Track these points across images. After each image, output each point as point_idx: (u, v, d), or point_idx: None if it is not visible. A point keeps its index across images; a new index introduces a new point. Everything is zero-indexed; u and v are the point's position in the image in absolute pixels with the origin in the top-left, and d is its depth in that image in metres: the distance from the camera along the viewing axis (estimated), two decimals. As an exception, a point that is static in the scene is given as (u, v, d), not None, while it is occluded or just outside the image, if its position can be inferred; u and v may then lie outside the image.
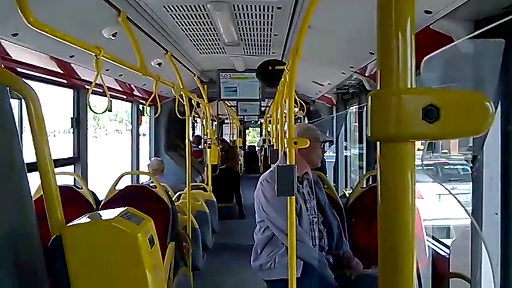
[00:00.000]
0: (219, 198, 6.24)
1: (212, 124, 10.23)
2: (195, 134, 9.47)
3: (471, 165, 1.87)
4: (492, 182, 1.80)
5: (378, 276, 0.55)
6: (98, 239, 1.33)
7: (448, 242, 2.76)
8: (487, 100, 0.47)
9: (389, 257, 0.51)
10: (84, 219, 1.39)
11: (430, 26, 2.03)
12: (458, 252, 2.21)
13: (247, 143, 19.60)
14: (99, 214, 1.50)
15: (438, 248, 2.65)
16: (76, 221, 1.36)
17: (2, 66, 1.23)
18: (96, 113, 2.32)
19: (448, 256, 2.39)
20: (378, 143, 0.51)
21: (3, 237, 1.16)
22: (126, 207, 1.46)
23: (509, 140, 1.79)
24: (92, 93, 2.47)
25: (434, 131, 0.47)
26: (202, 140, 7.11)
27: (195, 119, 9.78)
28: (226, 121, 14.62)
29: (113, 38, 2.88)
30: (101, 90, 3.21)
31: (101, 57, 2.16)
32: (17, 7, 1.49)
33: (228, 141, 9.95)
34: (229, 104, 9.91)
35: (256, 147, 16.88)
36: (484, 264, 1.79)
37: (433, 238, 2.80)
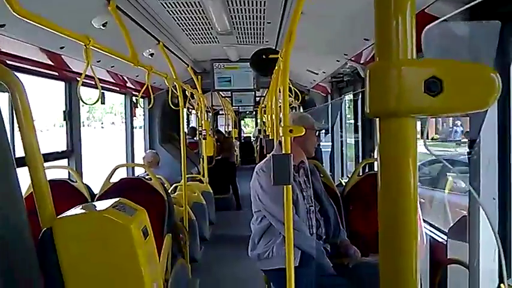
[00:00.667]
0: (215, 189, 6.23)
1: (207, 115, 10.19)
2: (190, 126, 9.43)
3: (468, 150, 1.86)
4: (489, 167, 1.79)
5: (379, 256, 0.53)
6: (90, 231, 1.30)
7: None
8: (493, 72, 0.44)
9: (391, 234, 0.48)
10: (76, 211, 1.35)
11: (425, 10, 2.00)
12: (455, 239, 2.21)
13: (245, 134, 19.55)
14: (91, 206, 1.47)
15: (435, 234, 2.65)
16: (67, 213, 1.32)
17: None
18: (87, 104, 2.28)
19: (445, 242, 2.38)
20: (377, 119, 0.48)
21: None
22: (118, 198, 1.43)
23: (506, 124, 1.77)
24: (85, 85, 2.42)
25: (437, 105, 0.44)
26: (198, 132, 7.07)
27: (190, 110, 9.73)
28: (221, 112, 14.57)
29: (103, 27, 2.83)
30: (93, 83, 3.18)
31: (91, 47, 2.11)
32: None
33: (224, 132, 9.91)
34: (223, 95, 9.85)
35: (252, 138, 16.87)
36: (482, 250, 1.78)
37: (430, 225, 2.79)
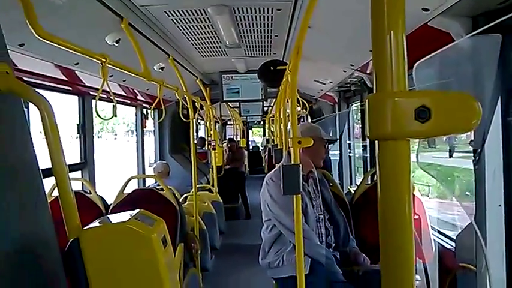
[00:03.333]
0: (224, 199, 6.29)
1: (215, 126, 10.26)
2: (199, 136, 9.52)
3: (473, 158, 1.90)
4: (495, 174, 1.83)
5: (381, 270, 0.59)
6: (114, 241, 1.37)
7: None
8: (474, 100, 0.52)
9: (390, 249, 0.55)
10: (99, 223, 1.43)
11: (428, 23, 2.06)
12: (463, 245, 2.24)
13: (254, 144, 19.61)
14: (113, 217, 1.54)
15: (444, 241, 2.68)
16: (92, 225, 1.40)
17: (15, 78, 1.27)
18: (103, 119, 2.37)
19: (454, 249, 2.42)
20: (376, 141, 0.55)
21: (21, 238, 1.20)
22: (138, 210, 1.51)
23: (509, 132, 1.82)
24: (99, 99, 2.49)
25: (426, 130, 0.52)
26: (207, 142, 7.16)
27: (198, 121, 9.82)
28: (229, 122, 14.68)
29: (116, 44, 2.93)
30: (105, 96, 3.27)
31: (107, 65, 2.20)
32: (25, 20, 1.54)
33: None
34: (232, 105, 9.96)
35: (260, 148, 16.93)
36: (489, 256, 1.82)
37: (439, 232, 2.82)
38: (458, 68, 1.93)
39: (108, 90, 2.34)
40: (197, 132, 10.26)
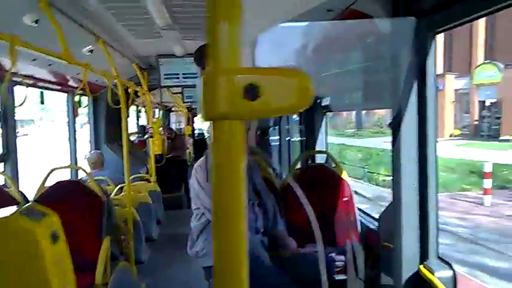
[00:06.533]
0: (166, 188, 6.15)
1: (158, 112, 9.97)
2: (140, 124, 9.25)
3: (392, 141, 1.96)
4: (410, 154, 1.90)
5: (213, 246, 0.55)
6: None
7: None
8: (305, 76, 0.49)
9: (222, 224, 0.51)
10: None
11: (352, 7, 2.08)
12: (385, 224, 2.32)
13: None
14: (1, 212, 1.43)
15: (368, 221, 2.78)
16: None
17: None
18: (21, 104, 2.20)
19: (377, 229, 2.50)
20: (211, 122, 0.51)
21: None
22: (30, 203, 1.41)
23: (423, 112, 1.88)
24: (24, 85, 2.28)
25: (256, 109, 0.48)
26: (146, 130, 6.95)
27: (139, 108, 9.52)
28: (173, 109, 14.34)
29: (36, 24, 2.72)
30: (32, 82, 3.04)
31: (17, 46, 2.03)
32: None
33: (175, 129, 9.79)
34: (174, 91, 9.70)
35: (206, 134, 16.72)
36: (404, 234, 1.89)
37: (364, 212, 2.92)
38: (380, 49, 1.96)
39: (30, 74, 2.17)
40: (138, 119, 9.96)
